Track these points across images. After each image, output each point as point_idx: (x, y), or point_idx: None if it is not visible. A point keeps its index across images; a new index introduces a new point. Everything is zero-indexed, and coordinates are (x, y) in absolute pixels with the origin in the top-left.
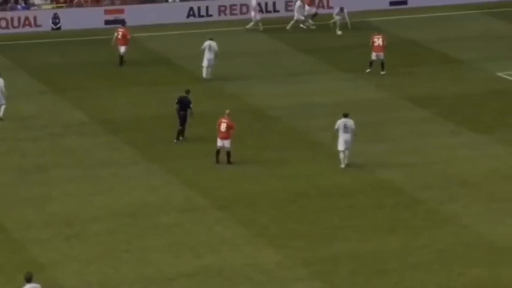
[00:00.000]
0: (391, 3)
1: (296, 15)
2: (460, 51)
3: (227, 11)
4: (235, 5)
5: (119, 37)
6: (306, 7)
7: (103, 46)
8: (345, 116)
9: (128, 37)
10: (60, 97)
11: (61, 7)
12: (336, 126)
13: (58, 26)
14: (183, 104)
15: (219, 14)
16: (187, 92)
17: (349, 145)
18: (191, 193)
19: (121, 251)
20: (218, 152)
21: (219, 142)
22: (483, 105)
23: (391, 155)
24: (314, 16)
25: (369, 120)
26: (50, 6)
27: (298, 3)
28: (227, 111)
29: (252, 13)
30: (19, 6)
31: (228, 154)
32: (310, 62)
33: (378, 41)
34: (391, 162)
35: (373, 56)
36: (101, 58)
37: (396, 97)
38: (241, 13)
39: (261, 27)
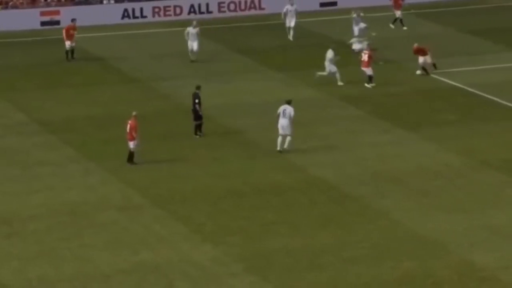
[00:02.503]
0: (321, 4)
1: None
2: (388, 51)
3: (161, 12)
4: (169, 6)
5: (64, 32)
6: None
7: (40, 47)
8: (288, 103)
9: (71, 32)
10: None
11: None
12: (278, 112)
13: None
14: (193, 99)
15: (153, 16)
16: (198, 87)
17: (286, 130)
18: (128, 192)
19: (59, 249)
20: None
21: (130, 144)
22: (412, 103)
23: (324, 152)
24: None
25: (301, 119)
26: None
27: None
28: (134, 113)
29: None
30: None
31: (131, 155)
32: (243, 62)
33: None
34: (323, 159)
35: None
36: (37, 59)
37: (328, 96)
38: (175, 14)
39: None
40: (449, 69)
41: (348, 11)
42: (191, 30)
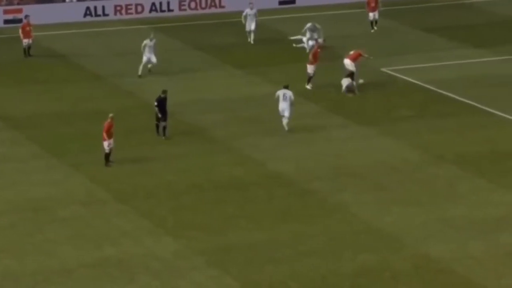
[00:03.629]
0: (280, 3)
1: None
2: (345, 48)
3: (123, 11)
4: (131, 4)
5: (20, 30)
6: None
7: (3, 45)
8: (285, 87)
9: (27, 29)
10: None
11: None
12: (276, 96)
13: None
14: (159, 102)
15: (115, 14)
16: (164, 92)
17: (286, 112)
18: (92, 187)
19: (23, 244)
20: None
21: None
22: (369, 99)
23: (283, 148)
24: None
25: (261, 115)
26: None
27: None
28: (111, 115)
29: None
30: None
31: (105, 155)
32: (204, 59)
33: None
34: (282, 154)
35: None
36: (1, 57)
37: None
38: (136, 12)
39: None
40: (405, 66)
41: (306, 9)
42: (148, 43)
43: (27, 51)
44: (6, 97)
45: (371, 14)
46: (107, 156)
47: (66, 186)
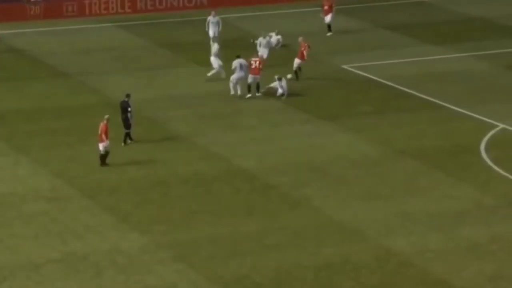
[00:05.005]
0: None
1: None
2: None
3: (87, 9)
4: (95, 3)
5: None
6: None
7: None
8: (238, 57)
9: None
10: None
11: None
12: (233, 66)
13: None
14: (123, 108)
15: (80, 11)
16: (127, 96)
17: (243, 80)
18: (57, 183)
19: None
20: (102, 155)
21: (100, 146)
22: (330, 95)
23: (245, 143)
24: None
25: (223, 111)
26: None
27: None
28: (106, 116)
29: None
30: None
31: (101, 156)
32: (168, 56)
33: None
34: (245, 150)
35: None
36: None
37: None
38: (104, 9)
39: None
40: (365, 62)
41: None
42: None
43: None
44: None
45: (326, 18)
46: (103, 157)
47: (31, 182)
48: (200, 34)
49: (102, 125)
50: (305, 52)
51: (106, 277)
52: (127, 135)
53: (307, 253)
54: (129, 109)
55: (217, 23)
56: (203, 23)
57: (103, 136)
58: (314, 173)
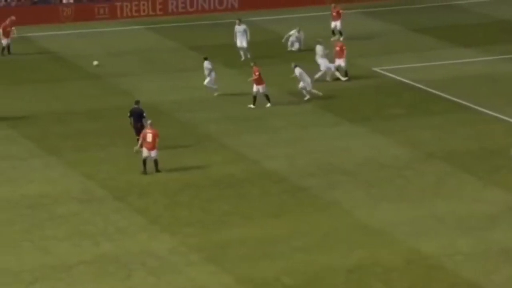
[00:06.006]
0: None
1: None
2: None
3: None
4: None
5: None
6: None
7: None
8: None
9: (8, 29)
10: None
11: None
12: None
13: None
14: (137, 115)
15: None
16: (137, 102)
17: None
18: (88, 184)
19: (21, 240)
20: (145, 162)
21: (146, 153)
22: (361, 98)
23: (275, 145)
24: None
25: (253, 113)
26: None
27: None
28: (150, 121)
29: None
30: None
31: (156, 162)
32: (198, 59)
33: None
34: (275, 152)
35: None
36: None
37: (278, 91)
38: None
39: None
40: (395, 65)
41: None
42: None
43: (6, 49)
44: (2, 96)
45: (335, 23)
46: (157, 163)
47: (62, 183)
48: (230, 37)
49: (151, 131)
50: (343, 50)
51: (136, 279)
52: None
53: (337, 255)
54: (144, 114)
55: (244, 32)
56: (234, 26)
57: (156, 140)
58: (344, 176)
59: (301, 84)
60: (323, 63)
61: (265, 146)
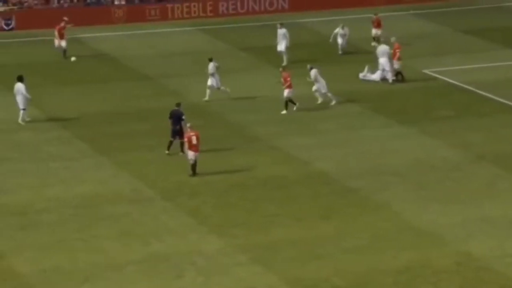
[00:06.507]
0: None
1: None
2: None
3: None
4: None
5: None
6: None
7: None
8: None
9: (62, 31)
10: (11, 94)
11: (13, 9)
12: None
13: (10, 27)
14: (176, 118)
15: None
16: (178, 105)
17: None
18: (138, 185)
19: (73, 240)
20: (194, 165)
21: (192, 155)
22: (410, 99)
23: (325, 147)
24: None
25: (303, 115)
26: (2, 8)
27: None
28: (189, 124)
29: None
30: None
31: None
32: (248, 60)
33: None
34: (325, 153)
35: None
36: (51, 57)
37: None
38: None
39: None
40: (445, 67)
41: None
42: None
43: (63, 52)
44: (54, 97)
45: (374, 31)
46: (194, 166)
47: (112, 184)
48: (275, 39)
49: (195, 133)
50: (398, 53)
51: (186, 279)
52: (182, 144)
53: (387, 257)
54: (183, 117)
55: (284, 36)
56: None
57: (197, 144)
58: (394, 177)
59: (315, 87)
60: (384, 63)
61: (314, 148)
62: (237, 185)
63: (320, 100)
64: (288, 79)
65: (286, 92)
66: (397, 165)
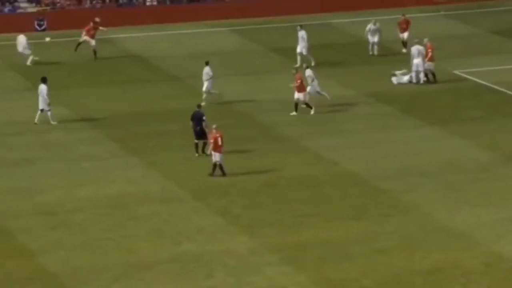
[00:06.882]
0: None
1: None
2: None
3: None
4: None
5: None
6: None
7: (84, 46)
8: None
9: (91, 32)
10: None
11: (46, 9)
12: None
13: (43, 27)
14: (197, 119)
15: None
16: (199, 106)
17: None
18: (168, 184)
19: (104, 239)
20: (217, 166)
21: (218, 157)
22: (441, 100)
23: (355, 147)
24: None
25: (334, 115)
26: (35, 9)
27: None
28: (215, 126)
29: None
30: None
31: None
32: (279, 60)
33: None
34: (354, 154)
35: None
36: (82, 58)
37: (357, 93)
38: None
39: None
40: (476, 68)
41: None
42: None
43: (93, 52)
44: (85, 97)
45: (402, 35)
46: (221, 166)
47: (143, 183)
48: (313, 39)
49: (219, 134)
50: (430, 53)
51: (216, 279)
52: (205, 144)
53: (416, 257)
54: (204, 118)
55: (302, 38)
56: (316, 28)
57: (222, 145)
58: (424, 178)
59: (308, 88)
60: (418, 64)
61: (345, 148)
62: (267, 185)
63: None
64: (299, 81)
65: (299, 95)
66: (427, 166)
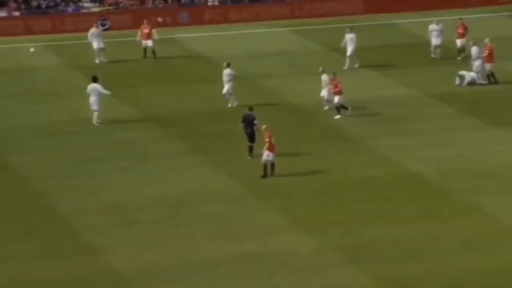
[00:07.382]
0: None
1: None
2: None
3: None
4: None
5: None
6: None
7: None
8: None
9: (145, 31)
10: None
11: (109, 9)
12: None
13: (106, 27)
14: (248, 121)
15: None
16: (251, 109)
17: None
18: (233, 184)
19: (169, 237)
20: (268, 166)
21: (271, 156)
22: (505, 102)
23: (420, 148)
24: None
25: (397, 116)
26: (98, 9)
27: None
28: (265, 126)
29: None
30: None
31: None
32: (341, 61)
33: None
34: (420, 155)
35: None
36: (148, 58)
37: (421, 94)
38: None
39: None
40: None
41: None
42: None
43: (152, 52)
44: (153, 97)
45: (458, 41)
46: (273, 166)
47: (208, 182)
48: (368, 40)
49: (271, 134)
50: (487, 53)
51: (280, 278)
52: (251, 148)
53: (481, 259)
54: (255, 121)
55: (351, 40)
56: (373, 28)
57: (273, 145)
58: (489, 180)
59: (322, 92)
60: (479, 65)
61: (409, 149)
62: (332, 185)
63: (326, 107)
64: (339, 85)
65: (337, 98)
66: (493, 168)
